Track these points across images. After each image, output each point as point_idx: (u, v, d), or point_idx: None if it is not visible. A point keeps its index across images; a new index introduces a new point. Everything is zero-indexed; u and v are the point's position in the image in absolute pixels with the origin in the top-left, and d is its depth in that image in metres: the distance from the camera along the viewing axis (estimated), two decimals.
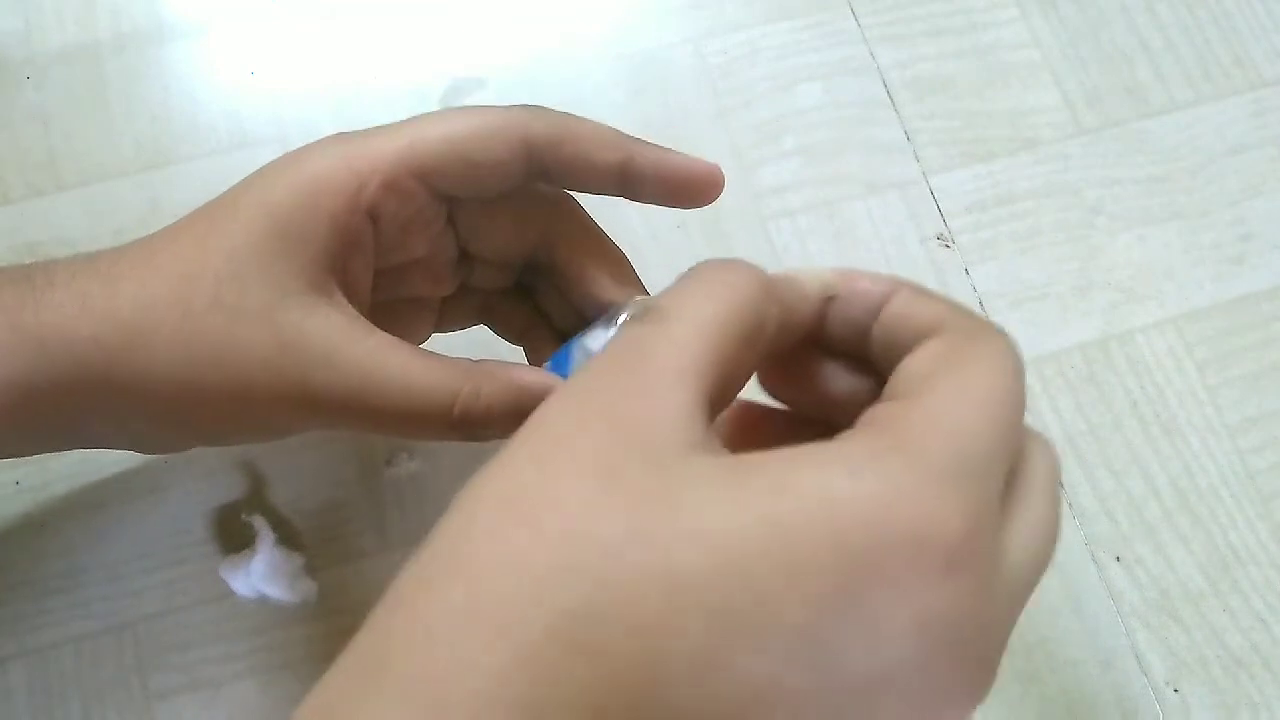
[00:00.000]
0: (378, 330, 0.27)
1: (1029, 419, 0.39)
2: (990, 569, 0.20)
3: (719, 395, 0.21)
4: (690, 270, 0.24)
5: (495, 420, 0.27)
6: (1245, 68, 0.45)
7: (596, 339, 0.28)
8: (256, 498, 0.37)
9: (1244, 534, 0.38)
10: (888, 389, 0.22)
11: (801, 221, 0.42)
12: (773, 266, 0.24)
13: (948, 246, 0.42)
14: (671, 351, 0.21)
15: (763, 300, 0.23)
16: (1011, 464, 0.22)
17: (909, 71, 0.45)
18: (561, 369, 0.28)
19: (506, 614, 0.18)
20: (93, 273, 0.27)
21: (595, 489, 0.19)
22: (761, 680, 0.18)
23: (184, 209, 0.29)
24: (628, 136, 0.29)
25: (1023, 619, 0.36)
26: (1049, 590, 0.37)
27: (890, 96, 0.44)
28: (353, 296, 0.28)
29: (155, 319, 0.26)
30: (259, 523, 0.36)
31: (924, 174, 0.43)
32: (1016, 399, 0.22)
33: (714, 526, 0.18)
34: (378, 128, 0.28)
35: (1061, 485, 0.23)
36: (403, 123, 0.28)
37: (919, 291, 0.24)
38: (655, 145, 0.29)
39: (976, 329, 0.23)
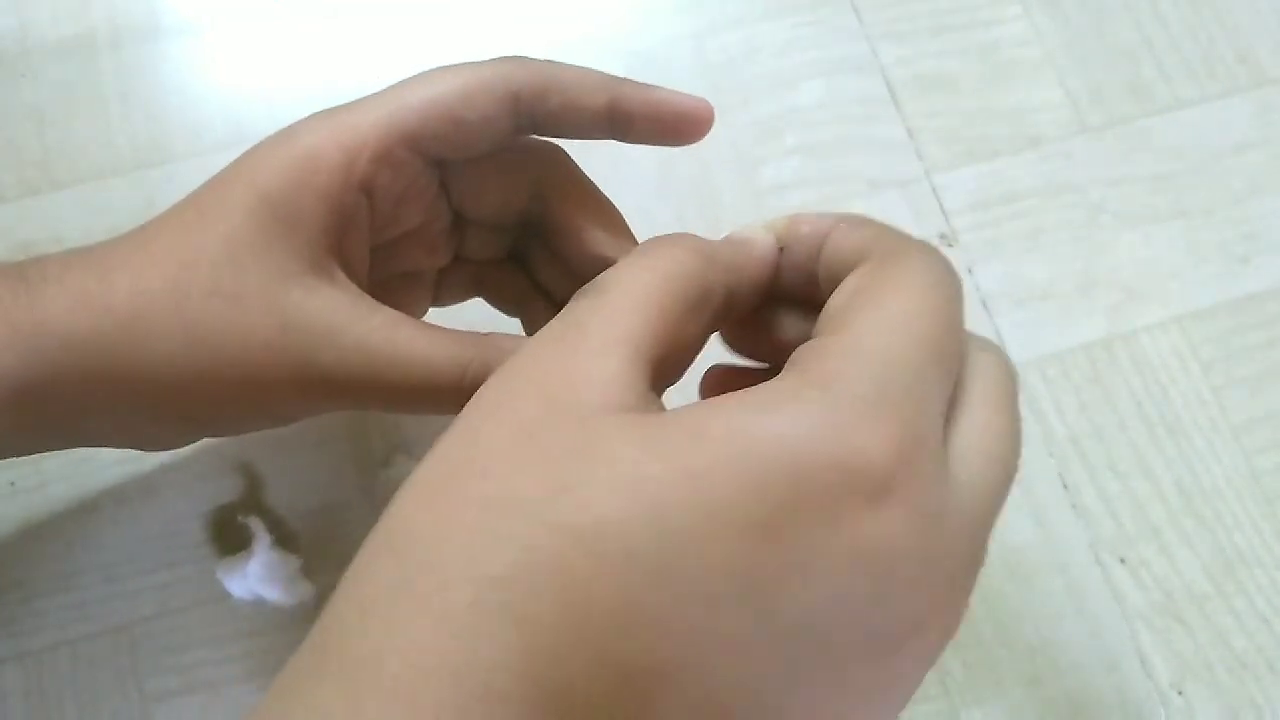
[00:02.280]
0: (382, 307, 0.27)
1: (1033, 419, 0.39)
2: (930, 493, 0.19)
3: (663, 362, 0.21)
4: (636, 247, 0.24)
5: None
6: (1250, 65, 0.45)
7: None
8: (253, 499, 0.37)
9: (1249, 535, 0.38)
10: (816, 327, 0.22)
11: None
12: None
13: (950, 245, 0.42)
14: (604, 321, 0.21)
15: (704, 268, 0.23)
16: (952, 380, 0.21)
17: (911, 69, 0.44)
18: None
19: (433, 585, 0.18)
20: (87, 265, 0.27)
21: (517, 452, 0.19)
22: (693, 626, 0.18)
23: None
24: (613, 77, 0.28)
25: (1025, 621, 0.37)
26: (1052, 592, 0.37)
27: (892, 94, 0.44)
28: (351, 274, 0.28)
29: (152, 308, 0.26)
30: (255, 524, 0.36)
31: (926, 172, 0.43)
32: (942, 314, 0.21)
33: (631, 477, 0.18)
34: (361, 99, 0.28)
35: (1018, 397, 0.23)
36: (386, 90, 0.28)
37: (853, 223, 0.24)
38: (642, 83, 0.28)
39: (897, 250, 0.22)
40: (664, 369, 0.22)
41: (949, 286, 0.22)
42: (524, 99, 0.27)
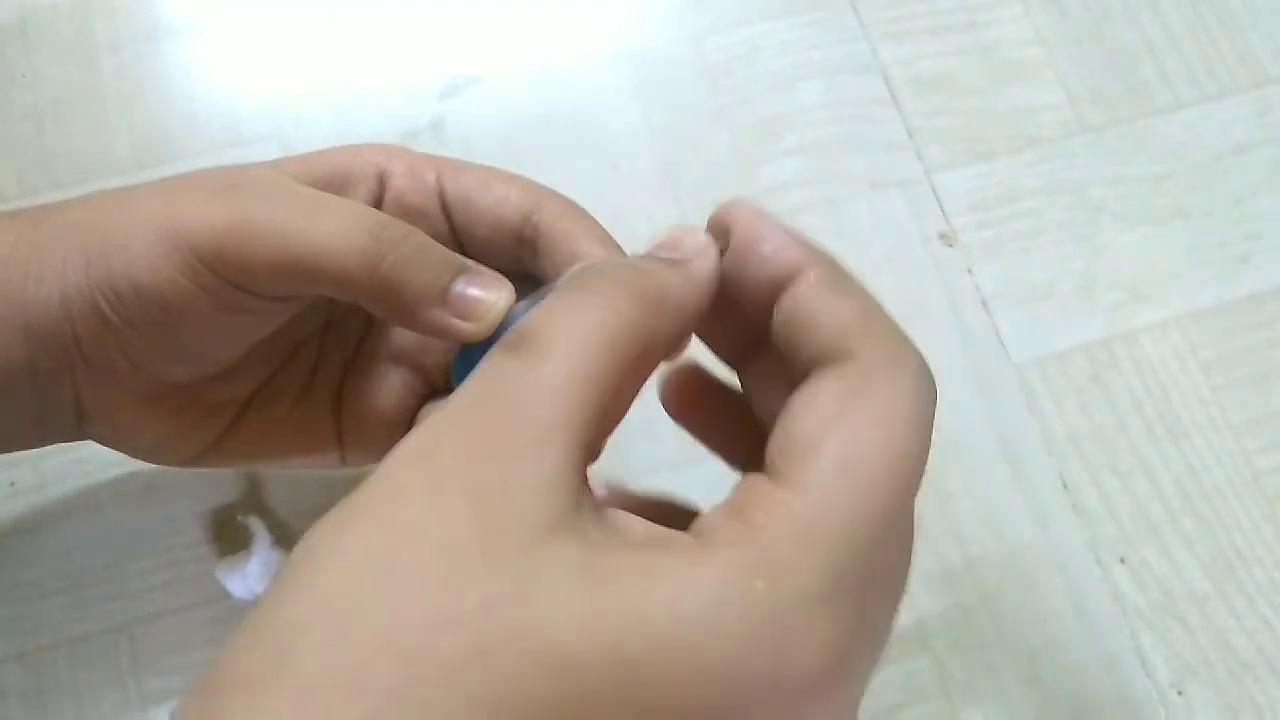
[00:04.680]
0: (321, 193, 0.28)
1: (1033, 419, 0.39)
2: (855, 685, 0.19)
3: (600, 427, 0.20)
4: (570, 278, 0.22)
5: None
6: (1250, 65, 0.45)
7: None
8: (253, 499, 0.37)
9: (1249, 535, 0.38)
10: (773, 445, 0.20)
11: (803, 220, 0.42)
12: None
13: (950, 245, 0.42)
14: (542, 398, 0.19)
15: (651, 320, 0.21)
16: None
17: (911, 69, 0.44)
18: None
19: None
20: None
21: (440, 591, 0.17)
22: None
23: None
24: (606, 240, 0.29)
25: (1025, 621, 0.37)
26: (1052, 592, 0.37)
27: (892, 94, 0.44)
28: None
29: (138, 188, 0.28)
30: (255, 524, 0.36)
31: (926, 172, 0.43)
32: (919, 466, 0.20)
33: (559, 651, 0.17)
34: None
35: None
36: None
37: (830, 281, 0.22)
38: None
39: (884, 364, 0.20)
40: (598, 438, 0.20)
41: (928, 420, 0.20)
42: (534, 222, 0.29)
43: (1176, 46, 0.45)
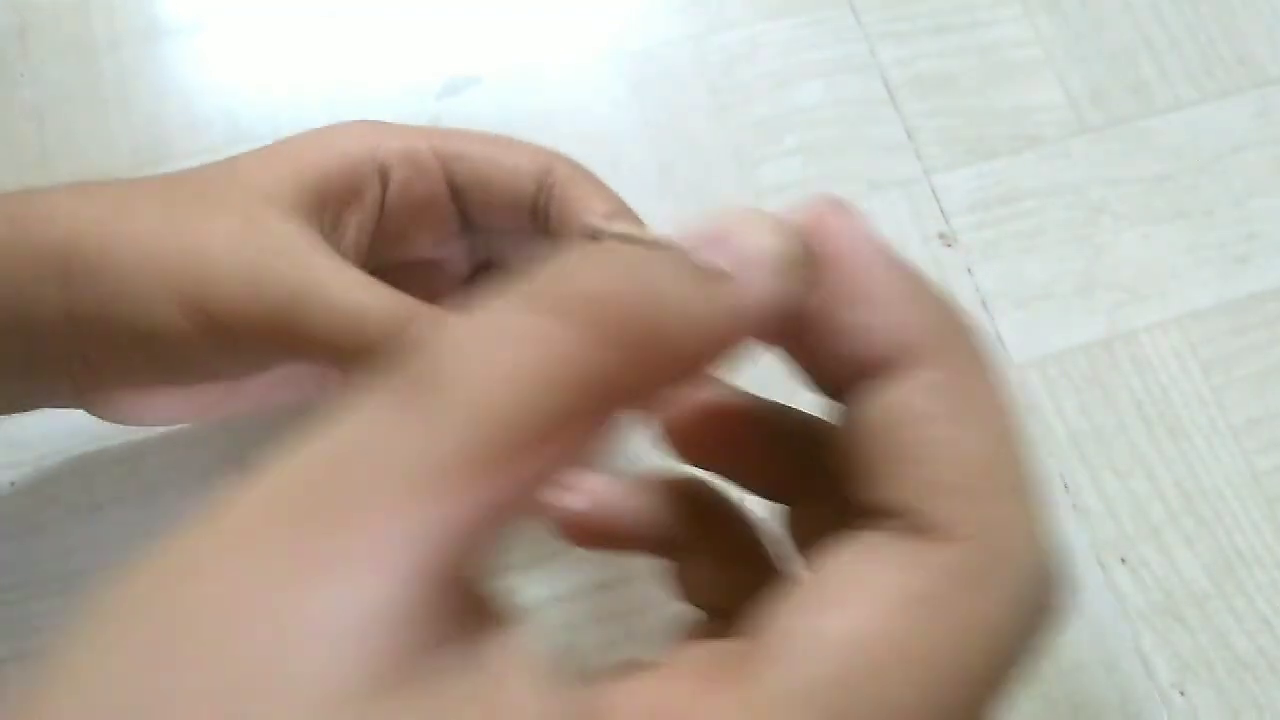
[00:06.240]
0: (346, 264, 0.27)
1: (1033, 419, 0.39)
2: None
3: (505, 506, 0.14)
4: (510, 289, 0.14)
5: None
6: (1249, 66, 0.45)
7: None
8: None
9: (1249, 535, 0.38)
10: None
11: None
12: None
13: (950, 246, 0.42)
14: (406, 483, 0.13)
15: (610, 365, 0.14)
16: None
17: (910, 69, 0.44)
18: None
19: None
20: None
21: None
22: None
23: None
24: (615, 200, 0.28)
25: None
26: None
27: (891, 94, 0.44)
28: (343, 254, 0.28)
29: (138, 196, 0.27)
30: None
31: (926, 172, 0.43)
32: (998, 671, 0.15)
33: None
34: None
35: None
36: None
37: (959, 405, 0.16)
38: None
39: (1000, 538, 0.15)
40: (503, 514, 0.14)
41: (1033, 625, 0.16)
42: (548, 184, 0.28)
43: (1176, 46, 0.45)
